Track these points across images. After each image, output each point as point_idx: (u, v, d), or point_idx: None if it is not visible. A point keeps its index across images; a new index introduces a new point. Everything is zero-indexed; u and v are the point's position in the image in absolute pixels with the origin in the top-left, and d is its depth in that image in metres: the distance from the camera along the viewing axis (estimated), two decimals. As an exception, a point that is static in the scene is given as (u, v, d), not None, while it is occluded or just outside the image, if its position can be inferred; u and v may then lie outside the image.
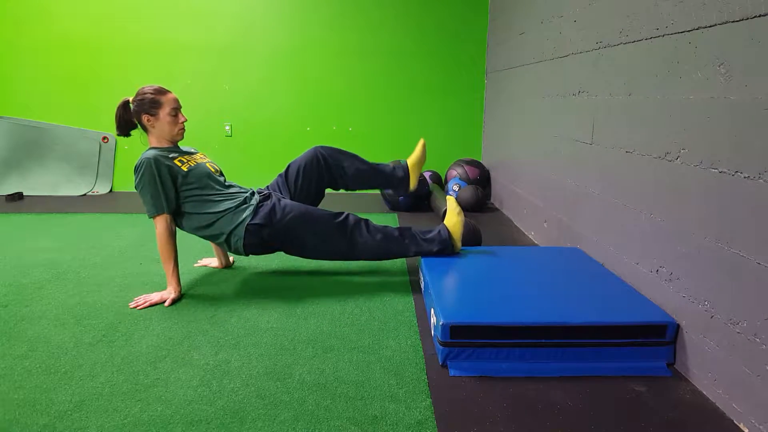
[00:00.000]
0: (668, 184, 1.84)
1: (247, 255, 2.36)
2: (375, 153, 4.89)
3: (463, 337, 1.74)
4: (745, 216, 1.47)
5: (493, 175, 4.49)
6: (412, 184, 2.63)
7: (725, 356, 1.54)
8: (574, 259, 2.39)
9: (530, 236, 3.40)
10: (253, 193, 2.39)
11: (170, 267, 2.28)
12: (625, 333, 1.76)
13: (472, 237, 2.87)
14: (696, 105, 1.68)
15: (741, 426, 1.47)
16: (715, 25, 1.59)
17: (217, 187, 2.33)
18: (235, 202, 2.30)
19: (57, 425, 1.44)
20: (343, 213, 2.38)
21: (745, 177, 1.46)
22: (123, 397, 1.57)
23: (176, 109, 2.30)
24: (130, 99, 2.29)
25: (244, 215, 2.28)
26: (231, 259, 2.79)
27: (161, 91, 2.28)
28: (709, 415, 1.52)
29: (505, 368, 1.74)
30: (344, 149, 2.58)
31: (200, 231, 2.33)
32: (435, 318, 1.84)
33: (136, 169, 2.22)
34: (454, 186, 4.28)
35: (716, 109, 1.58)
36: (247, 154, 4.92)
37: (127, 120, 2.32)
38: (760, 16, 1.41)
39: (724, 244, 1.54)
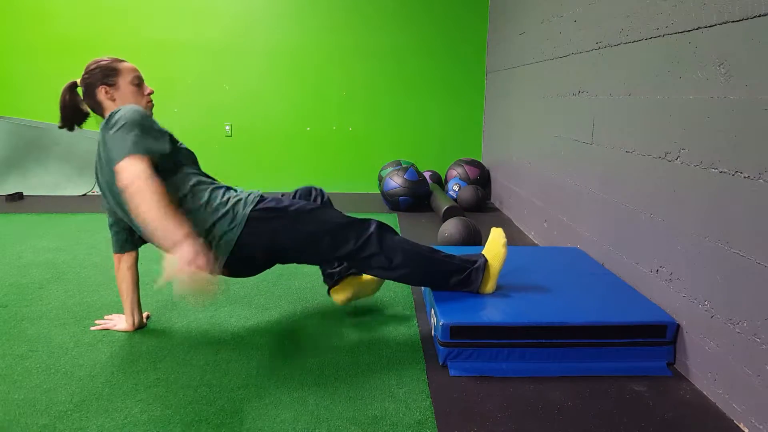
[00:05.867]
0: (668, 184, 1.84)
1: (220, 269, 1.74)
2: (375, 153, 4.90)
3: (463, 338, 1.74)
4: (745, 216, 1.47)
5: (493, 175, 4.49)
6: (342, 294, 2.10)
7: (725, 356, 1.54)
8: (574, 259, 2.39)
9: (530, 236, 3.40)
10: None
11: (174, 223, 1.53)
12: (625, 333, 1.76)
13: (472, 237, 2.87)
14: (696, 105, 1.68)
15: (741, 426, 1.47)
16: (715, 25, 1.59)
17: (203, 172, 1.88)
18: (233, 189, 1.84)
19: (57, 425, 1.43)
20: (361, 219, 1.85)
21: (745, 177, 1.46)
22: (123, 397, 1.57)
23: (139, 78, 1.85)
24: (78, 80, 1.85)
25: (246, 196, 1.77)
26: (145, 315, 2.09)
27: (118, 60, 1.84)
28: (709, 415, 1.52)
29: (505, 368, 1.74)
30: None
31: (190, 197, 1.72)
32: (435, 318, 1.84)
33: (113, 115, 1.68)
34: (454, 186, 4.28)
35: (716, 109, 1.58)
36: (247, 154, 4.92)
37: (75, 106, 1.86)
38: (760, 16, 1.41)
39: (724, 244, 1.54)
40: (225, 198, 1.75)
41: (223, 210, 1.72)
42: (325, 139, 4.91)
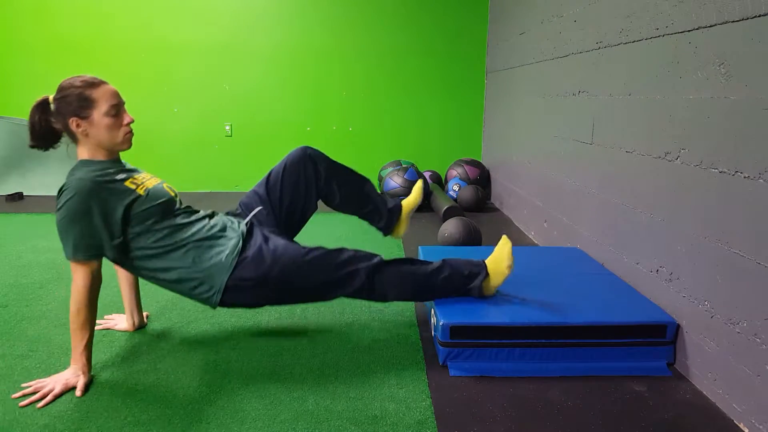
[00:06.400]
0: (668, 184, 1.84)
1: (215, 308, 1.77)
2: (375, 153, 4.89)
3: (463, 338, 1.74)
4: (745, 216, 1.47)
5: (493, 175, 4.49)
6: (401, 230, 2.15)
7: (725, 356, 1.54)
8: (574, 259, 2.39)
9: (530, 236, 3.40)
10: (225, 227, 1.80)
11: (86, 337, 1.64)
12: (625, 333, 1.76)
13: (472, 237, 2.87)
14: (696, 105, 1.68)
15: (741, 426, 1.47)
16: (715, 25, 1.59)
17: (181, 219, 1.75)
18: (208, 242, 1.74)
19: (57, 425, 1.44)
20: (350, 262, 1.78)
21: (745, 177, 1.46)
22: (123, 397, 1.57)
23: (117, 106, 1.66)
24: (51, 97, 1.65)
25: (222, 258, 1.71)
26: (145, 315, 2.09)
27: (95, 84, 1.64)
28: (709, 415, 1.52)
29: (505, 368, 1.74)
30: (335, 160, 2.05)
31: (158, 279, 1.75)
32: (435, 318, 1.84)
33: (60, 195, 1.61)
34: (454, 186, 4.28)
35: (716, 109, 1.58)
36: (247, 154, 4.92)
37: (47, 126, 1.65)
38: (760, 16, 1.41)
39: (724, 244, 1.54)
40: (199, 266, 1.70)
41: (200, 276, 1.70)
42: (325, 139, 4.91)
